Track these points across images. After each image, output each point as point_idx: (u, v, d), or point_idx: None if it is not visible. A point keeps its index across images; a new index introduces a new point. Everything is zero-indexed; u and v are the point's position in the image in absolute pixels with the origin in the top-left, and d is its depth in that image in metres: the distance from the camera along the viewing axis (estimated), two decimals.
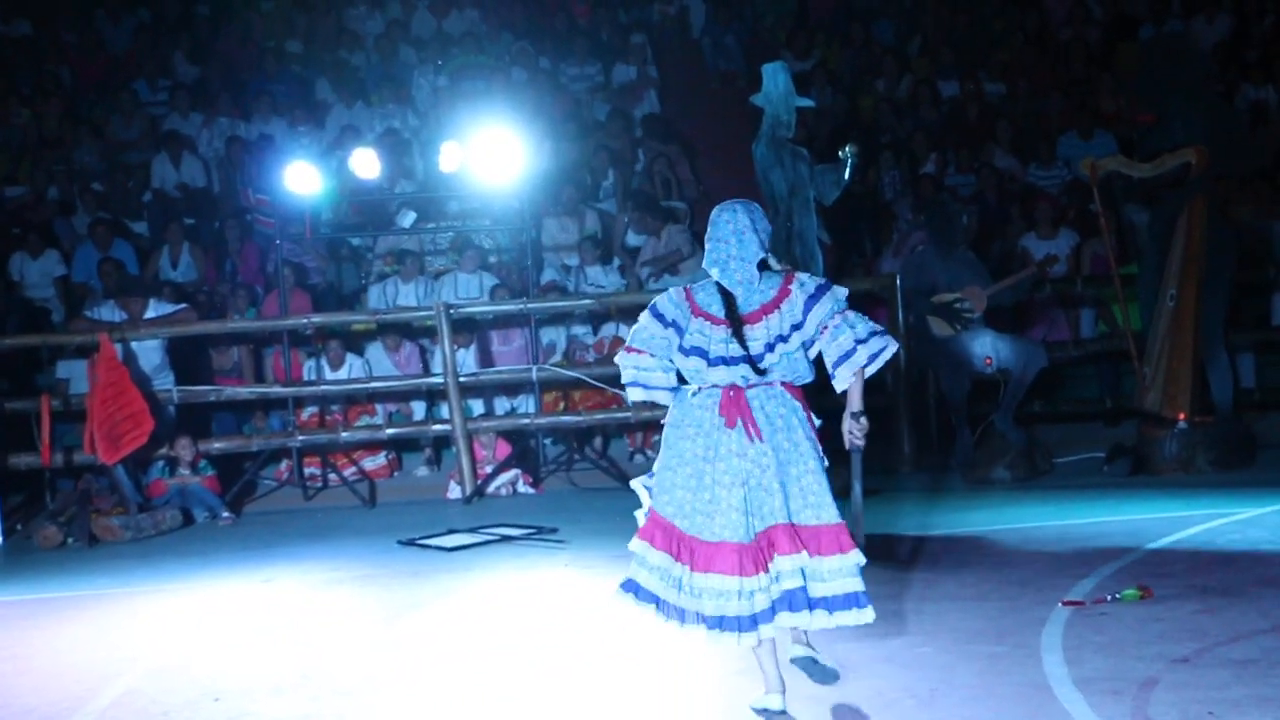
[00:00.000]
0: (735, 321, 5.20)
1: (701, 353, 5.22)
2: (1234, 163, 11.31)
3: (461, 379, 11.62)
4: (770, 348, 5.19)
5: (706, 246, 5.38)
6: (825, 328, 5.18)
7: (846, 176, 10.39)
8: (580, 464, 11.80)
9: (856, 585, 5.13)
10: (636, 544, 5.39)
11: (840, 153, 10.37)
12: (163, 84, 15.84)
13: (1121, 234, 12.40)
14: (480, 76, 15.57)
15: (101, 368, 10.68)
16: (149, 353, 11.57)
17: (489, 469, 11.52)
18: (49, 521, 10.44)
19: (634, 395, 5.41)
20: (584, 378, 11.83)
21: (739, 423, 5.18)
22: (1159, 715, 4.86)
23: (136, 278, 12.62)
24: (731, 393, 5.20)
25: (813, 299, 5.21)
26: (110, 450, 10.49)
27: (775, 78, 10.24)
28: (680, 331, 5.26)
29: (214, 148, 14.88)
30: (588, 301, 12.22)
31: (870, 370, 5.23)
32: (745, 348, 5.17)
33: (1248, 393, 11.92)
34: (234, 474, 11.63)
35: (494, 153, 11.65)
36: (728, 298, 5.25)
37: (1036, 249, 12.69)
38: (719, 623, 5.05)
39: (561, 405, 12.13)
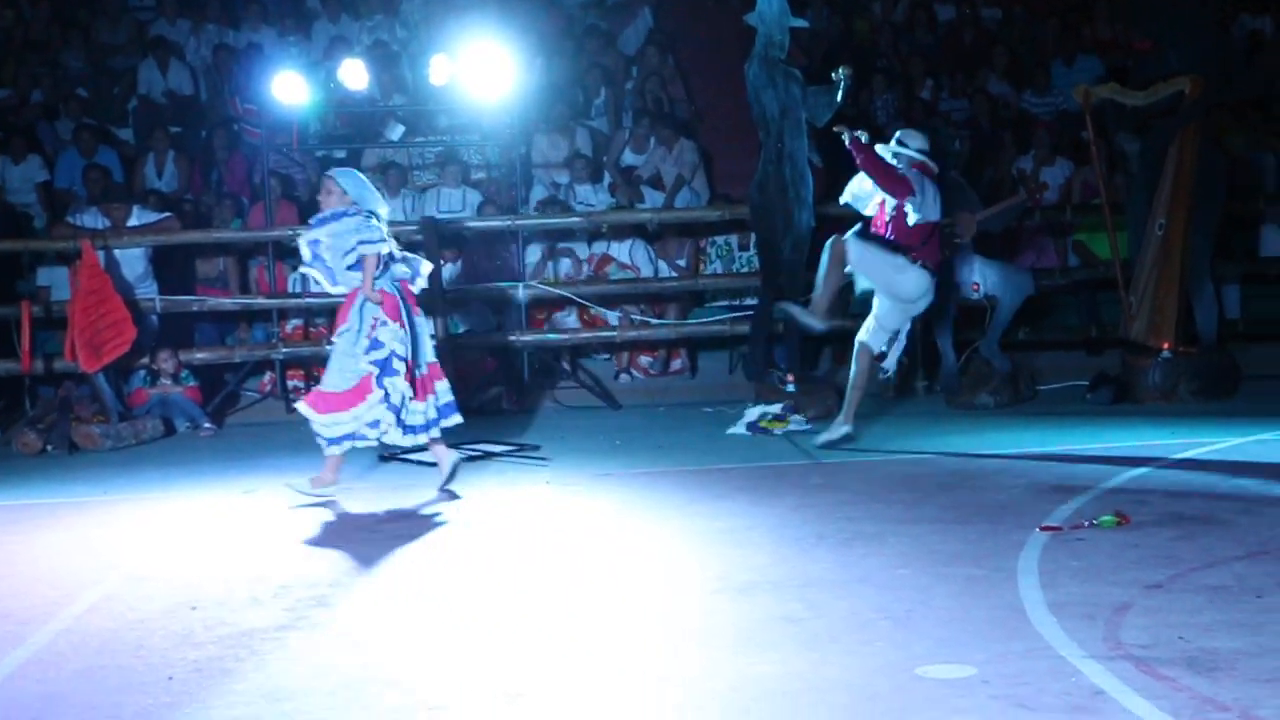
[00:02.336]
0: None
1: None
2: (1228, 92, 11.26)
3: (447, 293, 11.58)
4: None
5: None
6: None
7: (839, 99, 10.32)
8: (565, 382, 11.79)
9: None
10: None
11: (833, 75, 10.30)
12: None
13: (1114, 162, 12.35)
14: None
15: (84, 275, 10.62)
16: (132, 261, 11.51)
17: (474, 385, 11.50)
18: (29, 428, 10.43)
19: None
20: (571, 296, 11.80)
21: None
22: (1130, 639, 4.88)
23: (121, 185, 12.52)
24: None
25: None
26: (91, 358, 10.45)
27: None
28: None
29: (201, 55, 14.70)
30: (577, 219, 12.16)
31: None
32: None
33: (1232, 324, 11.92)
34: (216, 385, 11.62)
35: (484, 67, 11.53)
36: None
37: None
38: None
39: (546, 324, 12.11)
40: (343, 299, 8.20)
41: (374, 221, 8.06)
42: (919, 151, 9.09)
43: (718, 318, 12.10)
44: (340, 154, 13.67)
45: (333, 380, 8.00)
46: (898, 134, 9.26)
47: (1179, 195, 10.48)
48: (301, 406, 8.08)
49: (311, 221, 8.28)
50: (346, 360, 7.98)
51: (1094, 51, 14.61)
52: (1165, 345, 10.42)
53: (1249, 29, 14.86)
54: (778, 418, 9.84)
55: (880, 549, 6.40)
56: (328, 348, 8.60)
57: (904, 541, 6.50)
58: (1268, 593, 5.39)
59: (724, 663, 4.89)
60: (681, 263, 12.54)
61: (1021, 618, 5.24)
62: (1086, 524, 6.61)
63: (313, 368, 11.73)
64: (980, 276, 10.72)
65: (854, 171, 9.20)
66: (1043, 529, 6.58)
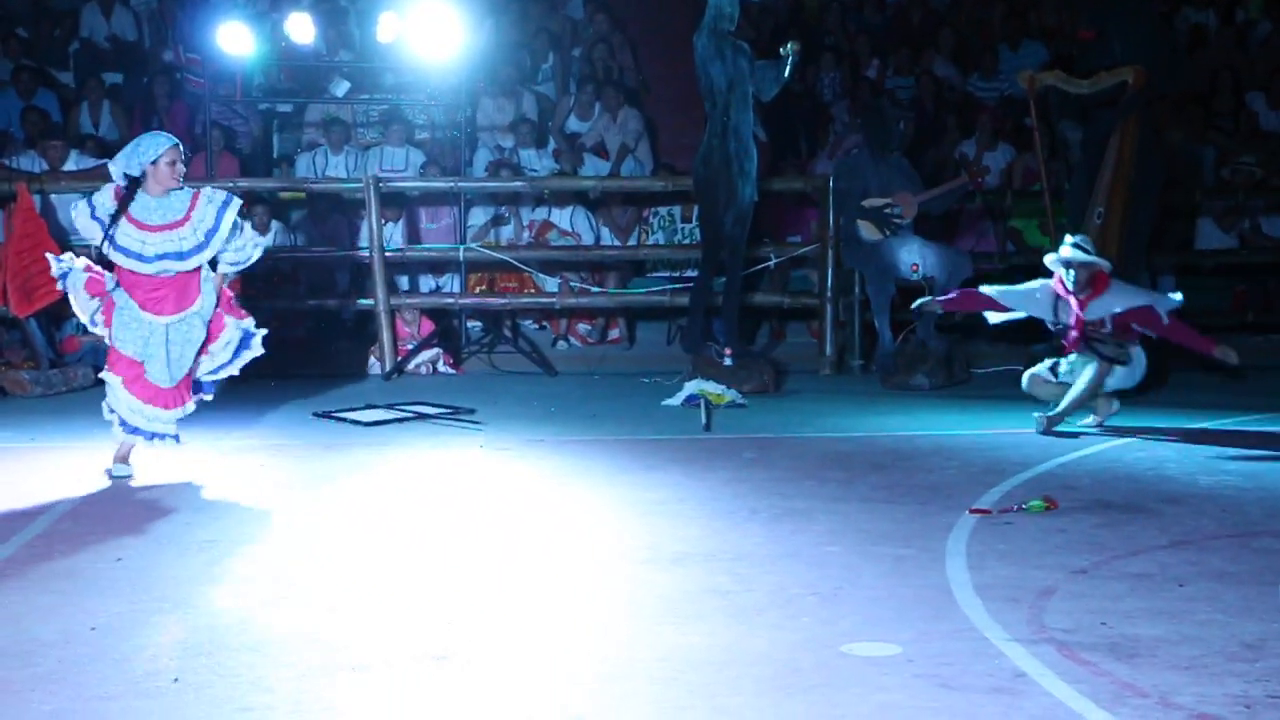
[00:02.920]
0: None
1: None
2: (1170, 84, 11.34)
3: (387, 254, 11.52)
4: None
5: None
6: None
7: (786, 74, 10.35)
8: (502, 347, 11.77)
9: None
10: None
11: (781, 50, 10.31)
12: None
13: (1055, 149, 12.44)
14: None
15: (18, 218, 10.47)
16: (69, 206, 11.34)
17: (410, 346, 11.46)
18: None
19: None
20: (511, 260, 11.77)
21: None
22: (1054, 623, 4.94)
23: (59, 126, 12.35)
24: None
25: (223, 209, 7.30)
26: (22, 303, 10.32)
27: None
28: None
29: (146, 1, 14.51)
30: (519, 184, 12.12)
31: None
32: None
33: None
34: None
35: (432, 27, 11.46)
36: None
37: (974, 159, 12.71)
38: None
39: (483, 287, 12.07)
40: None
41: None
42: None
43: (657, 288, 12.11)
44: (284, 108, 13.56)
45: None
46: (1076, 240, 8.86)
47: (1118, 185, 10.56)
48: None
49: None
50: None
51: (1040, 38, 14.71)
52: None
53: (1192, 22, 15.01)
54: (715, 392, 9.85)
55: (810, 526, 6.43)
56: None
57: (834, 519, 6.54)
58: (1189, 581, 5.46)
59: (651, 632, 4.90)
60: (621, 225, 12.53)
61: (948, 598, 5.28)
62: (1015, 508, 6.67)
63: None
64: (919, 257, 10.78)
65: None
66: (972, 511, 6.64)
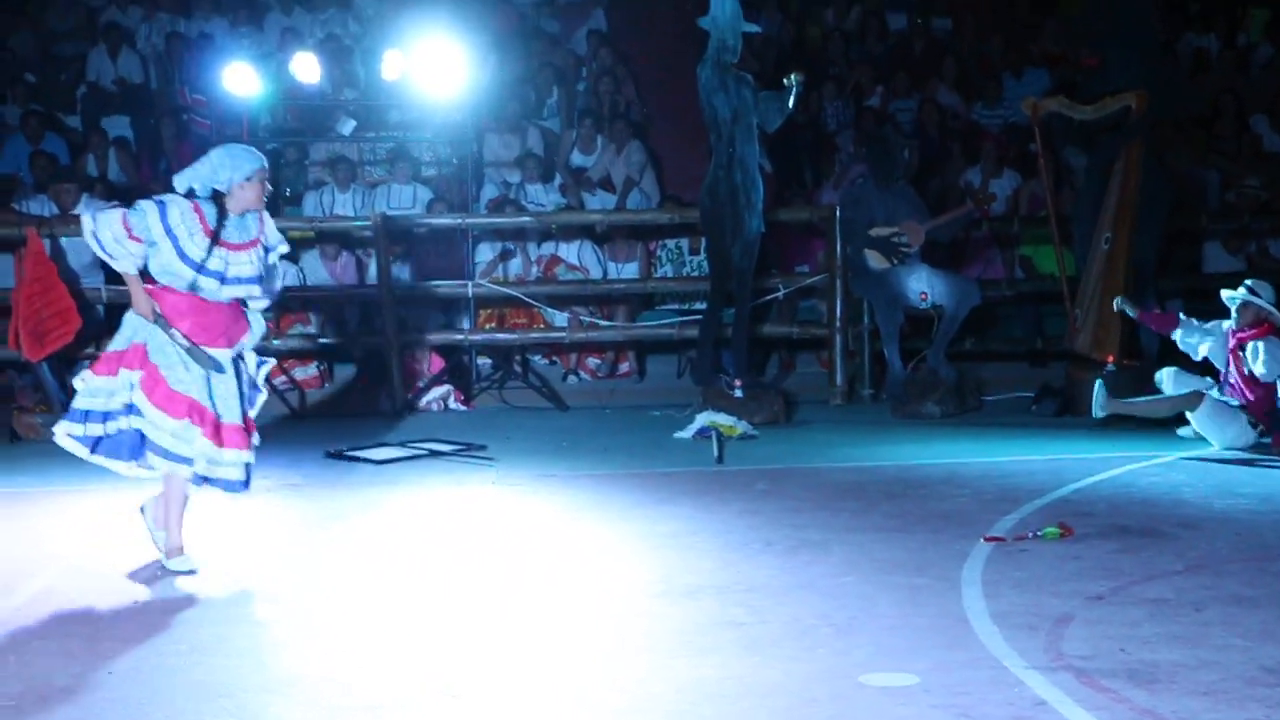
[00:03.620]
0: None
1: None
2: (1173, 109, 11.37)
3: (396, 291, 11.54)
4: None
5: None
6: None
7: (790, 104, 10.37)
8: (513, 383, 11.78)
9: None
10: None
11: (785, 80, 10.34)
12: None
13: (1060, 176, 12.45)
14: None
15: (29, 262, 10.51)
16: (79, 250, 11.38)
17: (421, 384, 11.47)
18: None
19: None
20: (519, 295, 11.79)
21: None
22: (1072, 650, 4.93)
23: (68, 169, 12.42)
24: None
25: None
26: (35, 347, 10.34)
27: (723, 2, 10.19)
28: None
29: (153, 43, 14.60)
30: (527, 219, 12.15)
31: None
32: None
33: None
34: None
35: (436, 64, 11.51)
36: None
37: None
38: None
39: (492, 323, 12.09)
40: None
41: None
42: (1270, 304, 9.06)
43: (666, 321, 12.12)
44: (291, 148, 13.62)
45: None
46: (1249, 282, 9.17)
47: (1124, 210, 10.58)
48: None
49: None
50: None
51: (1043, 65, 14.75)
52: (1109, 358, 10.50)
53: (1194, 47, 15.04)
54: (726, 424, 9.84)
55: (825, 556, 6.42)
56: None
57: (848, 549, 6.53)
58: (1206, 606, 5.45)
59: (666, 666, 4.89)
60: (632, 265, 12.56)
61: (964, 627, 5.27)
62: (1030, 535, 6.66)
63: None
64: (928, 286, 10.78)
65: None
66: (986, 539, 6.63)
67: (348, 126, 12.71)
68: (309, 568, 6.47)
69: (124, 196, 12.18)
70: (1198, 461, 8.63)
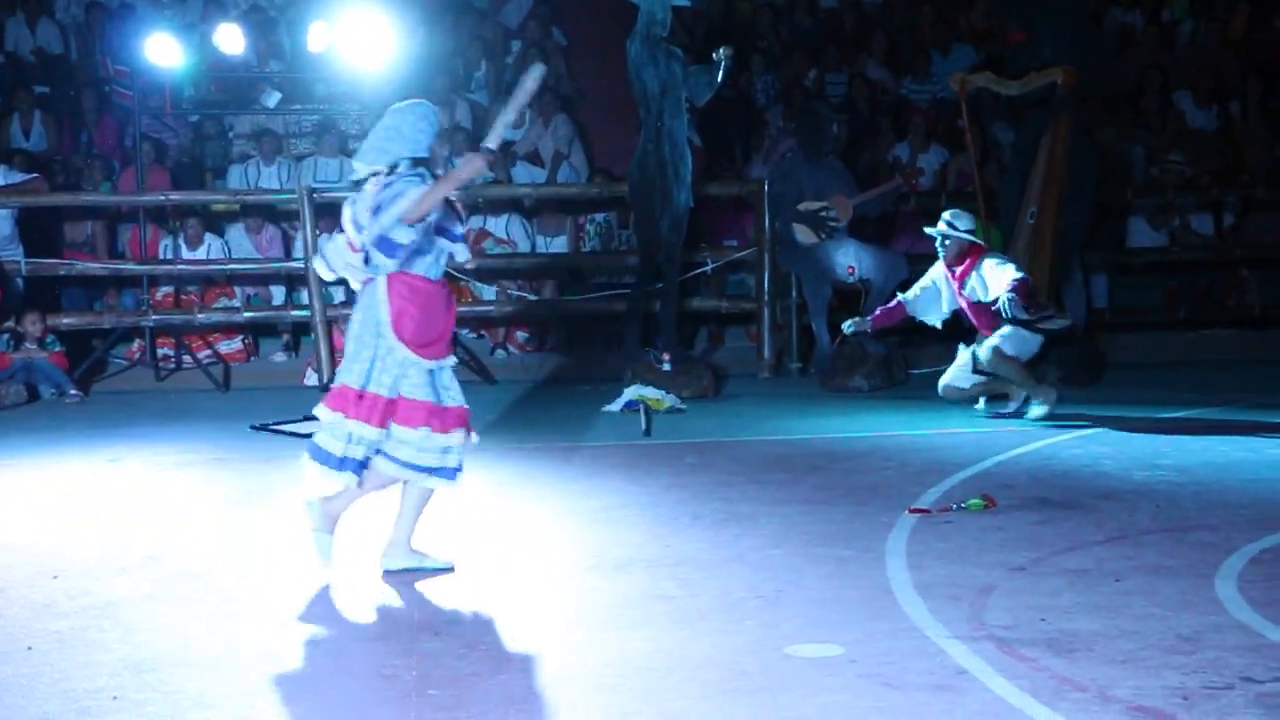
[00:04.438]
0: None
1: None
2: (1100, 84, 11.47)
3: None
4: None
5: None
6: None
7: (719, 79, 10.37)
8: None
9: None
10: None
11: (714, 55, 10.34)
12: None
13: (988, 151, 12.54)
14: None
15: None
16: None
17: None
18: None
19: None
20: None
21: None
22: (993, 620, 4.98)
23: None
24: None
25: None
26: None
27: None
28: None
29: (72, 14, 14.37)
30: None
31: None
32: None
33: (1100, 313, 12.19)
34: (83, 352, 11.39)
35: (363, 36, 11.42)
36: None
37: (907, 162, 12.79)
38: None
39: None
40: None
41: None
42: (968, 233, 9.22)
43: (594, 295, 12.11)
44: (215, 120, 13.47)
45: None
46: (947, 215, 9.34)
47: (1050, 185, 10.67)
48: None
49: None
50: None
51: (970, 41, 14.83)
52: None
53: (1120, 23, 15.17)
54: (655, 397, 9.86)
55: (753, 529, 6.45)
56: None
57: (776, 522, 6.56)
58: (1125, 576, 5.53)
59: (597, 639, 4.90)
60: (561, 239, 12.52)
61: (889, 598, 5.32)
62: (954, 507, 6.72)
63: (183, 335, 11.55)
64: (855, 260, 10.84)
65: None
66: (911, 511, 6.68)
67: (273, 99, 12.60)
68: (237, 544, 6.42)
69: (43, 168, 12.03)
70: (1118, 433, 8.73)
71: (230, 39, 11.80)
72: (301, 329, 11.97)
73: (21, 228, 11.47)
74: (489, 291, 12.03)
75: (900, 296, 9.71)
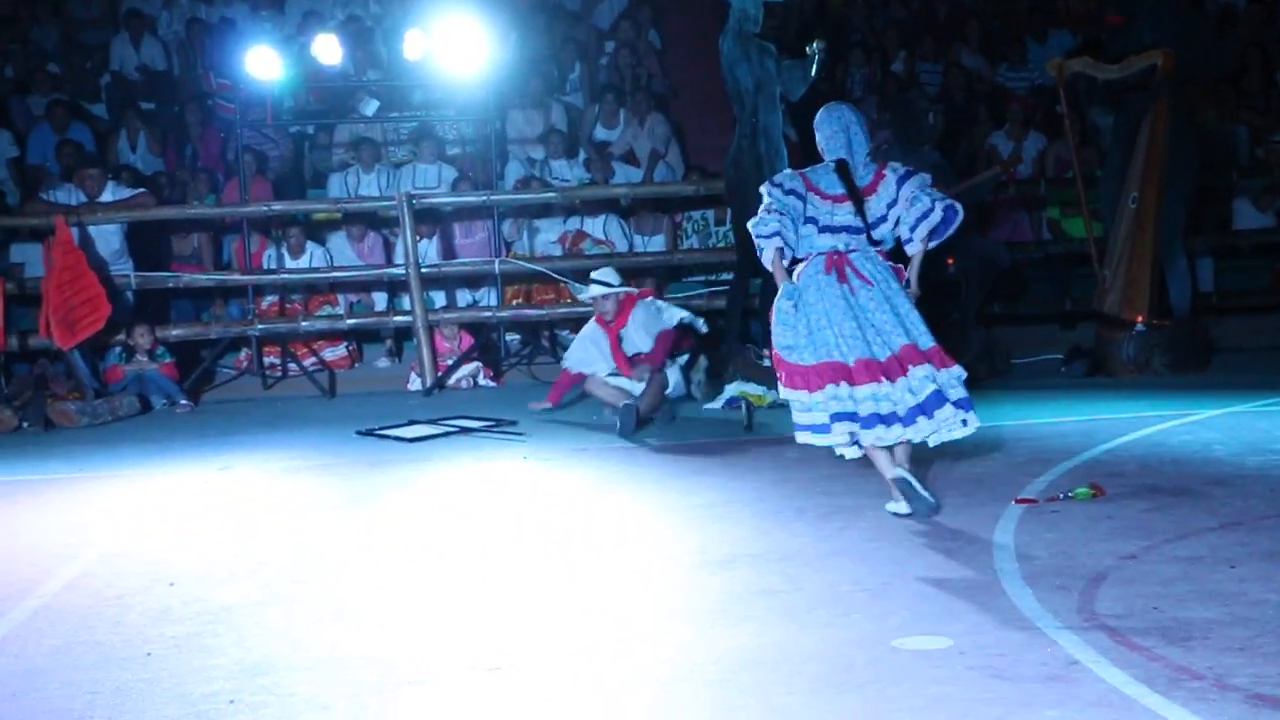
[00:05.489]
0: (857, 197, 6.47)
1: (814, 221, 6.52)
2: (1200, 67, 11.28)
3: (423, 270, 11.58)
4: (882, 219, 6.49)
5: (823, 139, 6.58)
6: (909, 199, 6.45)
7: (813, 73, 10.32)
8: (542, 358, 11.80)
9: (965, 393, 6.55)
10: (789, 394, 6.58)
11: (808, 49, 10.29)
12: None
13: (1087, 136, 12.38)
14: None
15: (57, 251, 10.57)
16: (107, 237, 11.46)
17: (450, 361, 11.51)
18: (4, 406, 10.39)
19: (770, 247, 6.57)
20: (546, 270, 11.80)
21: (849, 274, 6.48)
22: (1104, 610, 4.92)
23: (95, 156, 12.47)
24: (835, 255, 6.53)
25: (902, 179, 6.50)
26: (66, 335, 10.42)
27: None
28: (801, 200, 6.48)
29: (174, 30, 14.65)
30: (552, 195, 12.15)
31: (938, 230, 6.54)
32: (864, 218, 6.47)
33: (1205, 297, 11.99)
34: (192, 362, 11.59)
35: (458, 42, 11.51)
36: (848, 178, 6.47)
37: (1005, 150, 12.66)
38: (872, 420, 6.29)
39: (519, 299, 12.11)
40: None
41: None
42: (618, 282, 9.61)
43: (694, 292, 12.11)
44: (315, 130, 13.65)
45: None
46: (594, 277, 9.70)
47: (1152, 169, 10.52)
48: None
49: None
50: None
51: (1066, 26, 14.66)
52: (1139, 318, 10.47)
53: (1221, 4, 14.91)
54: (756, 394, 9.84)
55: (857, 522, 6.43)
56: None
57: (880, 515, 6.53)
58: (1240, 563, 5.43)
59: (704, 635, 4.91)
60: (659, 238, 12.54)
61: (997, 589, 5.27)
62: (1061, 496, 6.65)
63: (288, 343, 11.72)
64: (955, 250, 10.73)
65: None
66: (1018, 501, 6.62)
67: (371, 107, 12.74)
68: (345, 547, 6.50)
69: (149, 183, 12.27)
70: (1229, 418, 8.58)
71: (328, 49, 11.94)
72: (404, 334, 12.10)
73: (130, 242, 11.70)
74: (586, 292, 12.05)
75: (569, 368, 9.81)
